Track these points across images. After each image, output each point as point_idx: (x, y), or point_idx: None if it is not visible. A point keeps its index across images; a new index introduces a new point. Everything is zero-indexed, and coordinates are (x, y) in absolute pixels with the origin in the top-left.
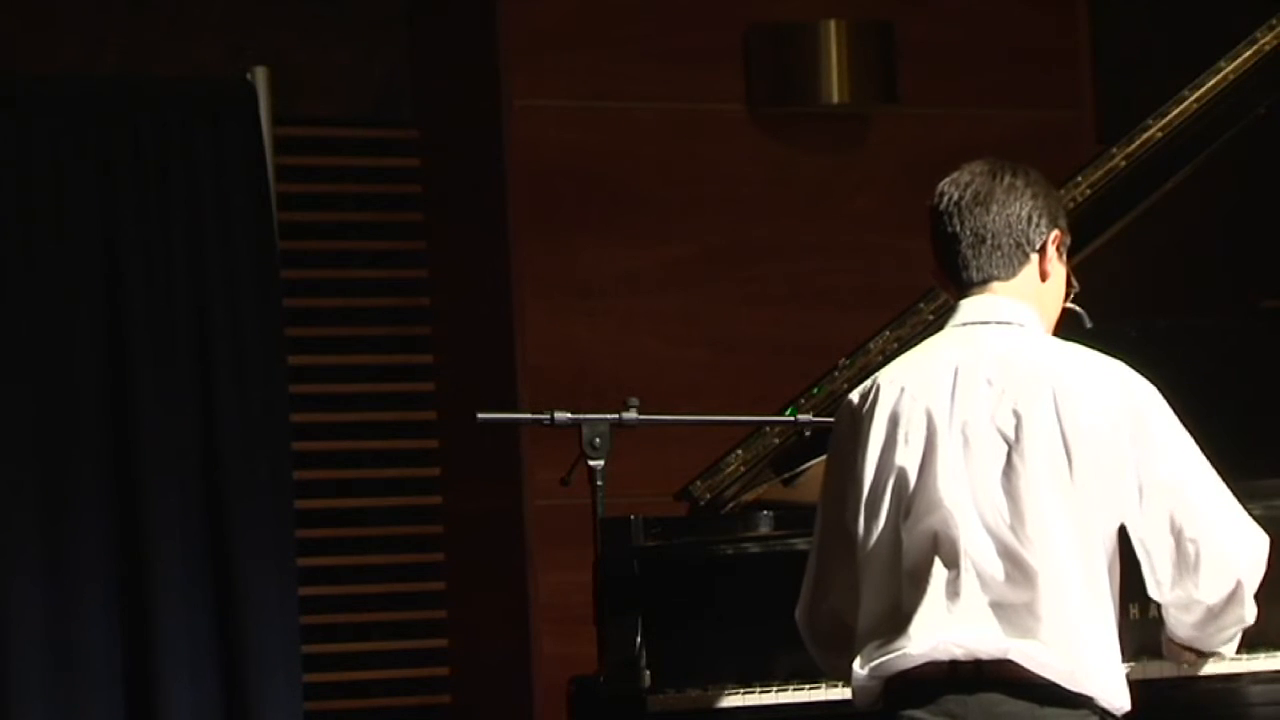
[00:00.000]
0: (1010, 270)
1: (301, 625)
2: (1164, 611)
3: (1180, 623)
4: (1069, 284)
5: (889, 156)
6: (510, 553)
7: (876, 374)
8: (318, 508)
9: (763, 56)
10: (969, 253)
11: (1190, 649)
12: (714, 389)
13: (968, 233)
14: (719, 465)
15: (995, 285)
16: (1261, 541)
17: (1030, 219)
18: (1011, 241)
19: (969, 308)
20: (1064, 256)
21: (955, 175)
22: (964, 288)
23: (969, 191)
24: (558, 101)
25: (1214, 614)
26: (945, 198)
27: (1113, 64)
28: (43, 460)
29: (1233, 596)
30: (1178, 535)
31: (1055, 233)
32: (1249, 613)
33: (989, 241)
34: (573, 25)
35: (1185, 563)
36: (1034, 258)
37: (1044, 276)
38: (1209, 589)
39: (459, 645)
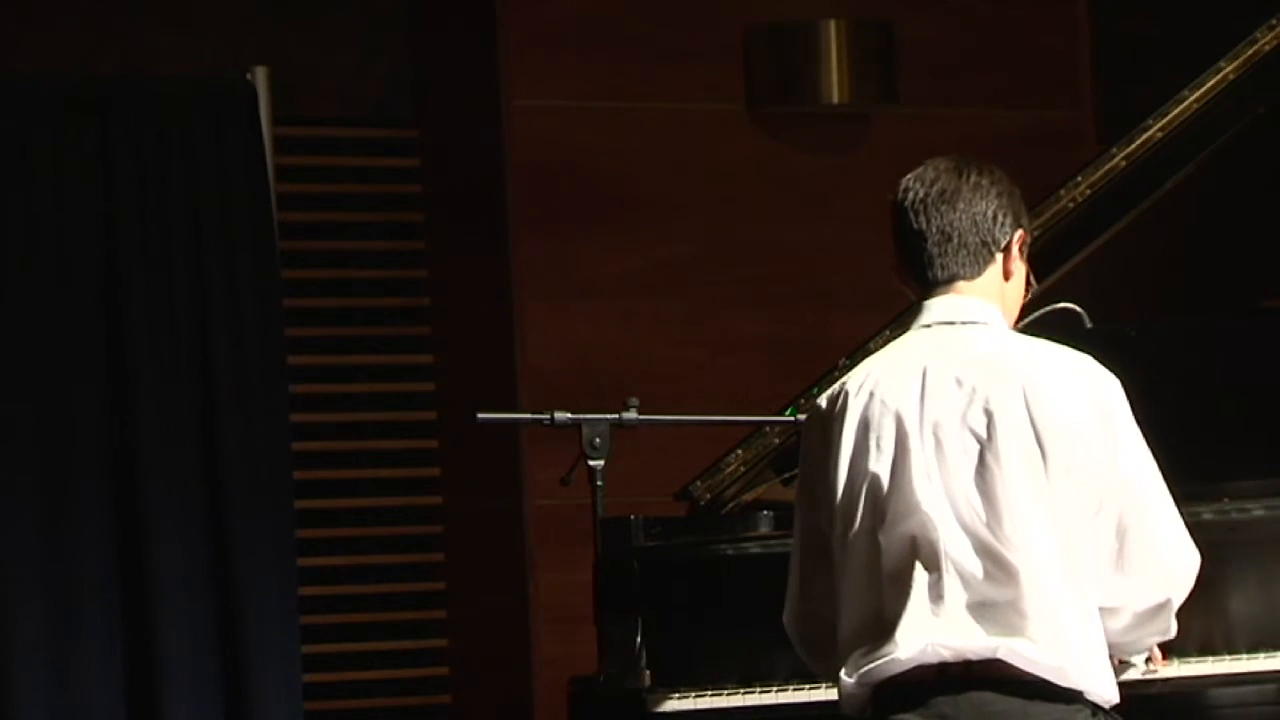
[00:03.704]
0: (975, 269)
1: (301, 625)
2: None
3: (1105, 626)
4: (1028, 283)
5: (889, 156)
6: (510, 553)
7: (844, 378)
8: (318, 508)
9: (762, 56)
10: (935, 250)
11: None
12: (714, 389)
13: (934, 230)
14: (719, 465)
15: (960, 284)
16: (1195, 559)
17: (996, 218)
18: (977, 240)
19: (934, 308)
20: (1024, 256)
21: (920, 171)
22: (928, 286)
23: (935, 188)
24: (558, 101)
25: (1140, 621)
26: (910, 193)
27: (1113, 64)
28: (42, 460)
29: (1161, 608)
30: (1122, 536)
31: (1019, 232)
32: (1172, 626)
33: (955, 240)
34: (573, 25)
35: (1124, 564)
36: (999, 257)
37: (1007, 275)
38: (1141, 595)
39: (459, 645)
